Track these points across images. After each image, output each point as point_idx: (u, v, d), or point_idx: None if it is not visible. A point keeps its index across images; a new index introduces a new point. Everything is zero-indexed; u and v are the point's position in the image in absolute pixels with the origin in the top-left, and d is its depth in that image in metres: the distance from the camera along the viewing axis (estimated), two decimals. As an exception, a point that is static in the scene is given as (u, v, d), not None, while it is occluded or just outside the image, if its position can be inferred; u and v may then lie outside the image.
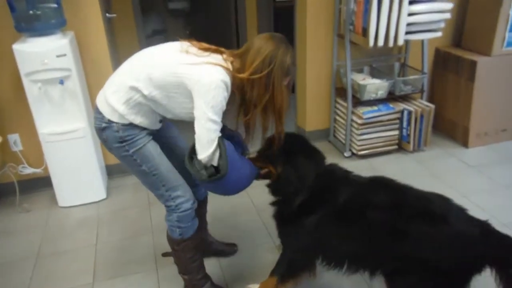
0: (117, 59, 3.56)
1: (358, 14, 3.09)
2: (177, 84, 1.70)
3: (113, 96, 1.77)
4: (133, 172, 1.91)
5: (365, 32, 3.05)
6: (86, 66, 3.00)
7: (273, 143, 1.90)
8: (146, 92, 1.73)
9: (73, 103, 2.84)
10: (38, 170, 3.11)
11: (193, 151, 1.77)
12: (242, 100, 1.81)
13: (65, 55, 2.67)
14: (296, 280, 2.01)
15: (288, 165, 1.88)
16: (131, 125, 1.80)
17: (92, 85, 3.05)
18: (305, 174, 1.87)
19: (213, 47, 1.81)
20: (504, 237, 1.66)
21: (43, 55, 2.63)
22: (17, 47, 2.62)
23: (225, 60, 1.75)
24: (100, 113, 1.80)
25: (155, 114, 1.85)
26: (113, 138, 1.80)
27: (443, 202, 1.77)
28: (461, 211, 1.74)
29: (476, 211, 1.72)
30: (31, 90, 2.72)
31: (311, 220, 1.84)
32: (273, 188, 1.97)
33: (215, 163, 1.74)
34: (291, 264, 2.01)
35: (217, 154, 1.72)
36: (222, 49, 1.81)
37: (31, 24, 2.63)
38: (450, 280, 1.68)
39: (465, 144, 3.55)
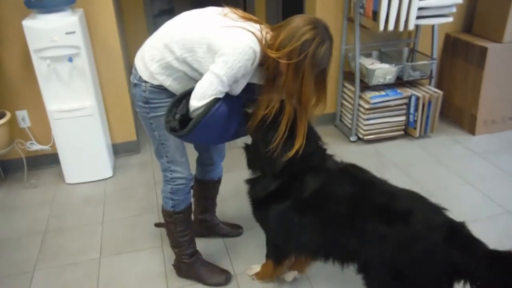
0: (125, 38, 3.55)
1: (369, -3, 3.06)
2: (207, 47, 1.65)
3: (148, 52, 1.79)
4: (146, 131, 1.95)
5: (375, 15, 3.02)
6: (94, 44, 2.99)
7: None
8: (178, 53, 1.71)
9: (81, 81, 2.85)
10: (45, 147, 3.14)
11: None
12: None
13: (74, 32, 2.67)
14: (289, 259, 2.05)
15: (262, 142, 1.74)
16: (160, 89, 1.80)
17: (101, 63, 3.05)
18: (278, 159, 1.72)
19: (255, 18, 1.73)
20: (476, 242, 1.46)
21: (52, 32, 2.63)
22: (27, 23, 2.62)
23: (260, 30, 1.65)
24: (135, 68, 1.84)
25: (189, 81, 1.80)
26: (140, 97, 1.84)
27: (409, 198, 1.62)
28: (430, 210, 1.57)
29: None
30: (40, 67, 2.73)
31: (277, 208, 1.78)
32: (248, 156, 1.88)
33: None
34: (276, 249, 2.02)
35: (201, 111, 1.63)
36: (263, 22, 1.71)
37: (40, 1, 2.61)
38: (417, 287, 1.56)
39: (472, 131, 3.54)
